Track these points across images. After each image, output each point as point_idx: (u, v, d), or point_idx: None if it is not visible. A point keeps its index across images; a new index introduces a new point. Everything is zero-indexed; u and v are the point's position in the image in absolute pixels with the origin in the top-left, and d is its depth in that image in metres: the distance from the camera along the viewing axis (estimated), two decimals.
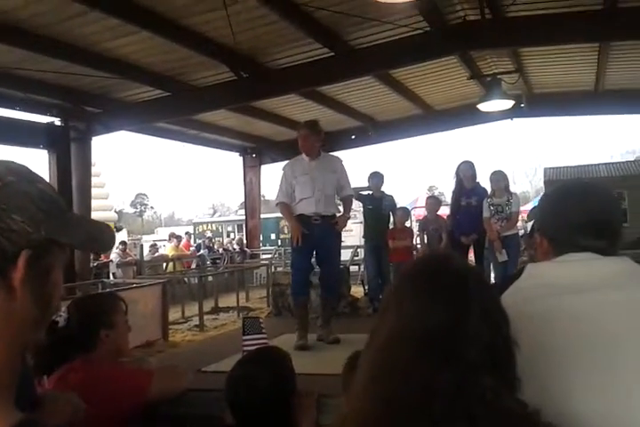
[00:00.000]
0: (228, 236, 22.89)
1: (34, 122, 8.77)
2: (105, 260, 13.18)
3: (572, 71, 9.79)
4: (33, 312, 0.80)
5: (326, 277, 4.90)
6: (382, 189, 7.27)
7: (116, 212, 26.20)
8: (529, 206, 13.50)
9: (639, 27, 6.62)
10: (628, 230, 10.51)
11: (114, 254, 13.26)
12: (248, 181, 13.93)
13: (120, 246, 13.61)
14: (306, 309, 4.86)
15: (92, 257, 11.05)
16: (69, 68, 7.22)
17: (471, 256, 6.72)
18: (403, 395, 0.86)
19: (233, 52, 7.27)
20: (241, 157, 13.89)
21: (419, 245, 7.53)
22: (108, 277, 12.21)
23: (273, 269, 11.32)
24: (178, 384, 2.29)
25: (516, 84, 9.26)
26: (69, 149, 8.85)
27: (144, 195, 64.74)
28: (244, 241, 15.44)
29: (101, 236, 0.89)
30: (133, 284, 8.83)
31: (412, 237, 7.36)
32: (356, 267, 11.10)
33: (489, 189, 6.59)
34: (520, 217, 7.54)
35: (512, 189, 7.02)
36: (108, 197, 25.49)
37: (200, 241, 19.18)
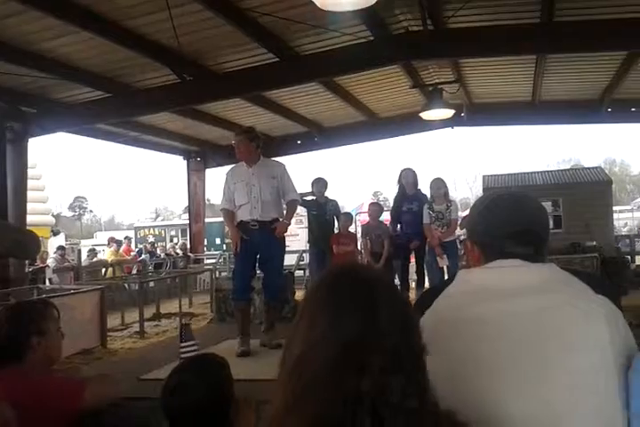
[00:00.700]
0: (172, 240, 22.48)
1: None
2: (42, 265, 12.72)
3: (510, 82, 10.13)
4: None
5: (268, 282, 4.89)
6: (326, 194, 7.33)
7: (53, 215, 25.30)
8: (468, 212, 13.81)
9: (574, 40, 6.94)
10: (563, 236, 10.89)
11: (51, 259, 12.83)
12: (192, 185, 13.77)
13: (58, 251, 13.17)
14: (247, 314, 4.82)
15: (27, 262, 10.66)
16: (5, 67, 6.98)
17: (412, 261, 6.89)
18: (325, 412, 0.87)
19: (177, 54, 7.18)
20: (185, 161, 13.73)
21: (362, 251, 7.61)
22: (44, 283, 11.81)
23: (217, 275, 11.21)
24: (110, 393, 2.24)
25: (456, 94, 9.50)
26: (4, 151, 8.52)
27: (83, 198, 63.08)
28: (188, 246, 15.23)
29: (28, 244, 0.88)
30: (70, 290, 8.60)
31: (356, 243, 7.43)
32: (302, 272, 11.11)
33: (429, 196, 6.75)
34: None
35: (453, 195, 7.21)
36: (47, 200, 24.60)
37: (141, 246, 18.77)
